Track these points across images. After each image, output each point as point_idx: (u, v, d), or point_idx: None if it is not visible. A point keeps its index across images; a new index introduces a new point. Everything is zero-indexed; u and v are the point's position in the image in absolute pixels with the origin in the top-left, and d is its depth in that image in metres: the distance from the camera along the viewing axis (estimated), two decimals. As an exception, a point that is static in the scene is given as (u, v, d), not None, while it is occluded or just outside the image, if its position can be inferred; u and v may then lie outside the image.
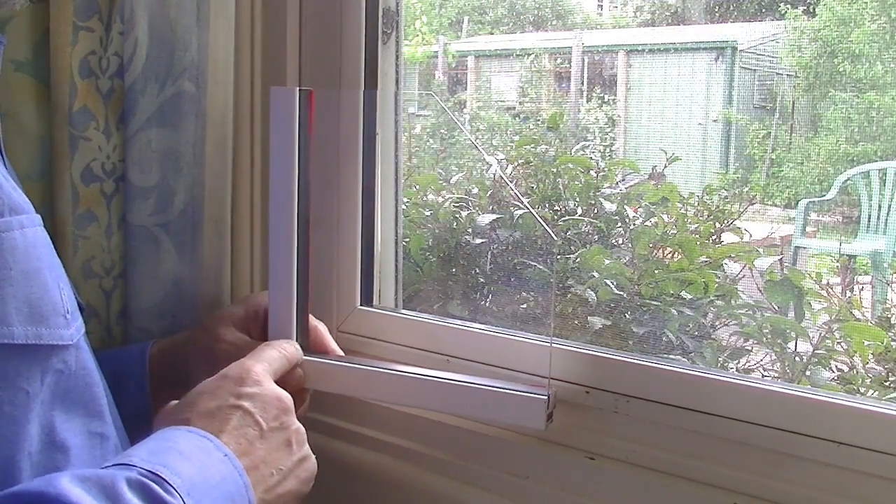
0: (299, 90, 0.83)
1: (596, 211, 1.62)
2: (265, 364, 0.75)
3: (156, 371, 0.85)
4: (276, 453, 0.69)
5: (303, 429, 0.73)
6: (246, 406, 0.69)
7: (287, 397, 0.73)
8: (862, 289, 2.21)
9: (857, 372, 1.27)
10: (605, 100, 3.32)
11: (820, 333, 1.29)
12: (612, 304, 1.42)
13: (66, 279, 0.62)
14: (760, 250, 1.63)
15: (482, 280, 1.58)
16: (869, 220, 2.73)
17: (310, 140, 0.84)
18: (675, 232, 1.55)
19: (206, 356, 0.83)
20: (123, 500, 0.54)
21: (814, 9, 2.71)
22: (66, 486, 0.52)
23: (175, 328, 0.92)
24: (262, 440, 0.68)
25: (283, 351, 0.80)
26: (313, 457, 0.73)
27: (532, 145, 1.75)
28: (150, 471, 0.57)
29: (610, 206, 1.61)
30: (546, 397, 0.80)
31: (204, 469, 0.61)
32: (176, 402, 0.71)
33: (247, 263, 1.00)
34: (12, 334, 0.55)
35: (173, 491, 0.56)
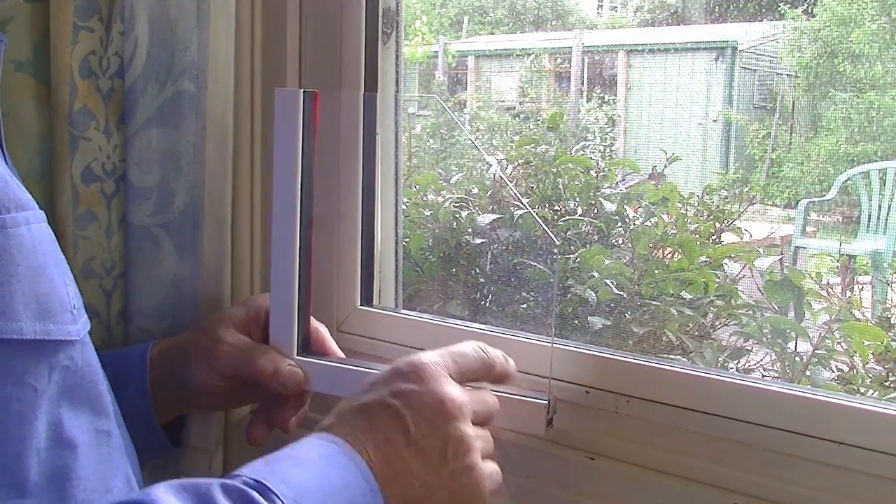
0: (304, 92, 0.82)
1: (596, 211, 1.62)
2: (445, 360, 0.67)
3: (156, 372, 0.85)
4: (423, 463, 0.61)
5: (471, 439, 0.64)
6: (398, 406, 0.62)
7: (455, 399, 0.64)
8: (862, 289, 2.21)
9: (857, 372, 1.27)
10: (605, 100, 3.32)
11: (820, 333, 1.29)
12: (612, 304, 1.42)
13: (70, 276, 0.62)
14: (760, 250, 1.63)
15: (482, 280, 1.58)
16: (869, 220, 2.73)
17: (314, 142, 0.84)
18: (675, 232, 1.55)
19: (206, 358, 0.83)
20: None
21: (812, 9, 2.71)
22: (162, 495, 0.51)
23: (175, 328, 0.92)
24: (409, 447, 0.61)
25: (478, 351, 0.70)
26: (481, 468, 0.64)
27: (532, 145, 1.75)
28: (254, 479, 0.54)
29: (610, 206, 1.61)
30: (546, 402, 0.80)
31: (323, 476, 0.57)
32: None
33: (247, 263, 1.00)
34: (21, 330, 0.55)
35: (276, 499, 0.53)
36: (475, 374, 0.69)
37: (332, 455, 0.59)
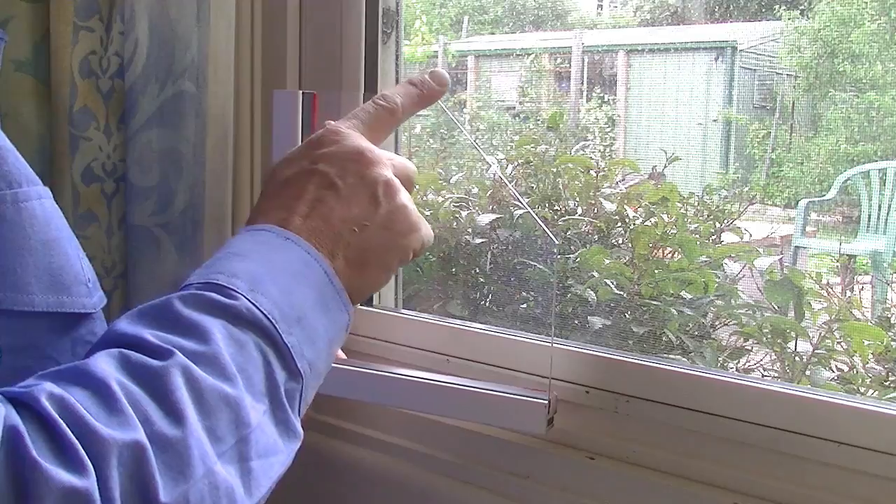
0: (302, 93, 0.82)
1: (596, 211, 1.62)
2: (352, 120, 0.69)
3: None
4: (356, 208, 0.63)
5: (390, 177, 0.66)
6: (321, 168, 0.64)
7: (372, 149, 0.66)
8: (862, 289, 2.21)
9: (857, 372, 1.27)
10: (605, 100, 3.32)
11: (820, 333, 1.29)
12: (612, 304, 1.42)
13: (83, 252, 0.62)
14: (760, 250, 1.63)
15: (482, 280, 1.58)
16: (869, 220, 2.72)
17: None
18: (675, 232, 1.55)
19: None
20: (182, 318, 0.52)
21: (812, 9, 2.71)
22: (126, 325, 0.52)
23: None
24: (339, 199, 0.63)
25: (379, 102, 0.71)
26: (414, 210, 0.67)
27: (532, 145, 1.75)
28: (204, 282, 0.55)
29: (610, 206, 1.61)
30: (546, 401, 0.80)
31: (266, 261, 0.58)
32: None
33: (247, 263, 1.00)
34: (32, 302, 0.55)
35: (233, 293, 0.54)
36: (382, 121, 0.71)
37: (267, 240, 0.60)
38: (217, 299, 0.54)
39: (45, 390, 0.45)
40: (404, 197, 0.67)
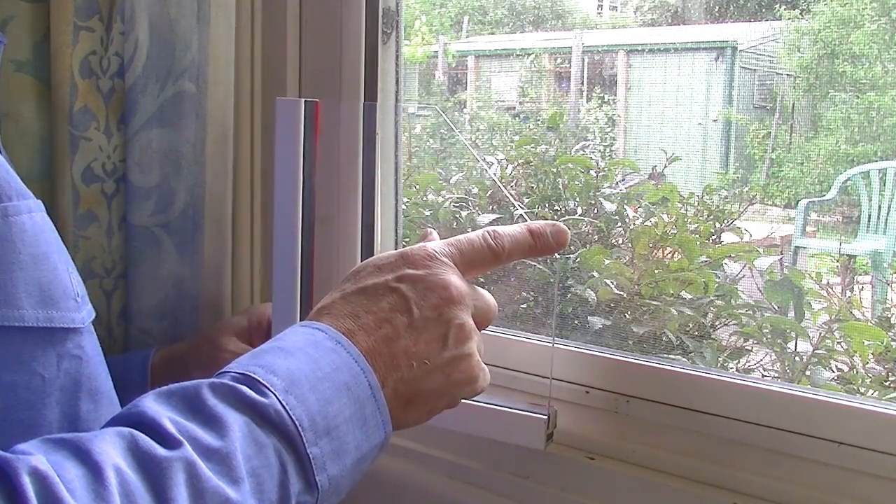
0: (305, 101, 0.82)
1: (596, 211, 1.62)
2: (451, 248, 0.66)
3: (157, 380, 0.84)
4: (423, 344, 0.61)
5: (472, 327, 0.64)
6: (402, 289, 0.62)
7: (460, 287, 0.64)
8: (862, 289, 2.21)
9: (857, 372, 1.27)
10: (605, 100, 3.32)
11: (820, 333, 1.29)
12: (612, 304, 1.42)
13: (73, 265, 0.62)
14: (760, 250, 1.63)
15: (482, 280, 1.58)
16: (869, 220, 2.72)
17: (315, 151, 0.83)
18: (675, 232, 1.55)
19: (208, 366, 0.82)
20: (206, 407, 0.51)
21: (812, 9, 2.71)
22: (150, 403, 0.50)
23: (176, 329, 0.92)
24: (410, 329, 0.61)
25: (487, 240, 0.67)
26: (478, 360, 0.64)
27: (532, 145, 1.75)
28: (240, 373, 0.54)
29: (610, 206, 1.61)
30: (546, 417, 0.79)
31: (311, 362, 0.56)
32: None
33: (248, 264, 1.00)
34: (23, 317, 0.54)
35: (266, 390, 0.53)
36: (483, 262, 0.68)
37: (319, 341, 0.58)
38: (247, 394, 0.52)
39: (30, 465, 0.43)
40: (473, 345, 0.64)
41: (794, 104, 2.99)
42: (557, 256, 1.50)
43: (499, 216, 1.58)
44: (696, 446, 0.79)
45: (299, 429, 0.53)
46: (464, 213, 1.59)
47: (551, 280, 1.47)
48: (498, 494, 0.89)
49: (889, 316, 1.54)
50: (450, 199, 1.66)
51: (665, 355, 1.34)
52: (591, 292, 1.40)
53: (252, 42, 0.97)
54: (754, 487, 0.76)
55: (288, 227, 0.83)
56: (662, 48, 3.37)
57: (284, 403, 0.53)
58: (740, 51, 3.18)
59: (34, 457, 0.44)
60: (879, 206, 2.72)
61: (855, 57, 2.59)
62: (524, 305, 1.55)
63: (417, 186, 1.78)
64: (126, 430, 0.48)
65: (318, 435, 0.54)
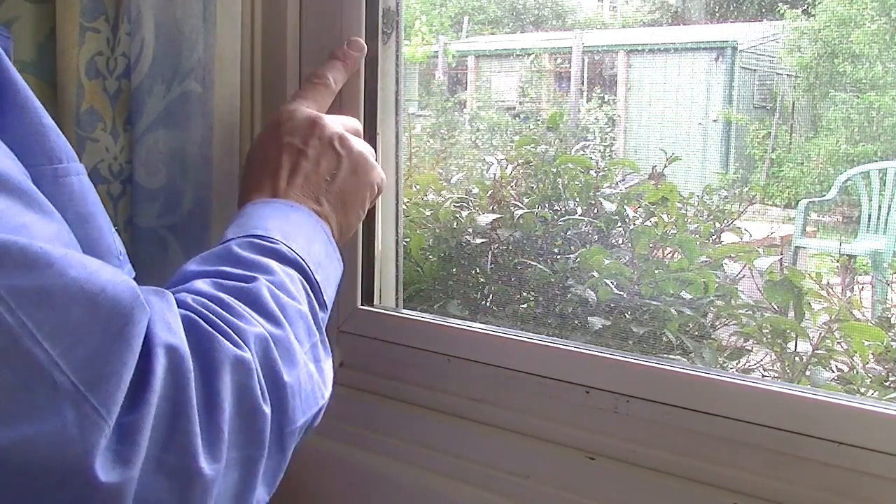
0: None
1: (596, 211, 1.62)
2: (297, 100, 0.86)
3: None
4: (325, 162, 0.81)
5: (341, 131, 0.83)
6: (286, 141, 0.81)
7: (319, 115, 0.84)
8: (862, 289, 2.21)
9: (857, 372, 1.27)
10: (605, 100, 3.32)
11: (820, 333, 1.29)
12: (612, 304, 1.42)
13: (113, 226, 0.65)
14: (760, 250, 1.63)
15: (482, 280, 1.58)
16: (869, 220, 2.73)
17: None
18: (675, 232, 1.55)
19: None
20: (243, 259, 0.65)
21: (812, 9, 2.71)
22: (196, 266, 0.65)
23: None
24: (309, 160, 0.80)
25: (314, 80, 0.89)
26: (366, 151, 0.84)
27: (532, 145, 1.75)
28: (245, 235, 0.68)
29: (610, 206, 1.61)
30: None
31: (285, 220, 0.73)
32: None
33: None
34: None
35: (273, 240, 0.68)
36: (321, 94, 0.89)
37: (277, 207, 0.75)
38: (265, 244, 0.67)
39: (190, 295, 0.58)
40: (358, 144, 0.84)
41: (794, 104, 2.99)
42: (558, 256, 1.50)
43: (499, 216, 1.58)
44: (696, 446, 0.79)
45: (306, 263, 0.69)
46: (464, 213, 1.59)
47: (551, 280, 1.48)
48: (498, 494, 0.89)
49: (889, 316, 1.54)
50: (450, 199, 1.66)
51: (665, 355, 1.34)
52: (591, 292, 1.40)
53: (252, 42, 0.97)
54: (754, 487, 0.76)
55: None
56: (662, 48, 3.37)
57: (289, 246, 0.69)
58: (740, 51, 3.18)
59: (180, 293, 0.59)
60: (879, 206, 2.72)
61: (855, 57, 2.59)
62: (524, 305, 1.55)
63: (417, 186, 1.78)
64: (205, 279, 0.62)
65: (316, 267, 0.70)
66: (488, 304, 1.59)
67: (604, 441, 0.84)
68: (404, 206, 1.22)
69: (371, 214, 1.01)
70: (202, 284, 0.60)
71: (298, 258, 0.68)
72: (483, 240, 1.56)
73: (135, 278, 0.93)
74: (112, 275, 0.49)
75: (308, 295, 0.67)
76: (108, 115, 0.91)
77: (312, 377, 0.62)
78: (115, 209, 0.92)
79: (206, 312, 0.56)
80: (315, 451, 0.75)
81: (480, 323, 1.16)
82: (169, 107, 0.89)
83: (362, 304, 1.02)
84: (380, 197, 1.01)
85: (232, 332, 0.55)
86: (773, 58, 3.16)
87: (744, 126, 3.11)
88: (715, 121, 3.16)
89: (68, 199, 0.57)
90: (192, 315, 0.55)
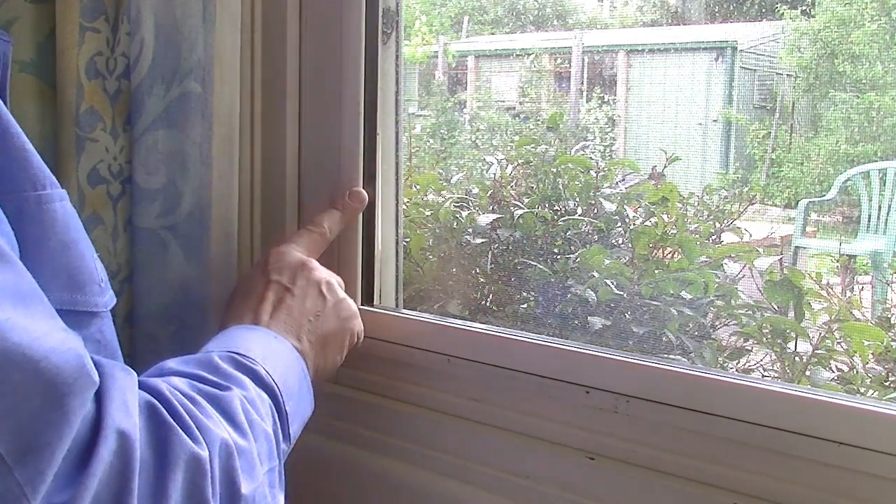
0: None
1: (596, 211, 1.62)
2: (291, 244, 0.89)
3: None
4: (310, 302, 0.83)
5: (329, 278, 0.86)
6: (273, 278, 0.83)
7: (309, 259, 0.87)
8: (862, 289, 2.21)
9: (857, 372, 1.27)
10: (605, 100, 3.32)
11: (820, 333, 1.29)
12: (612, 304, 1.42)
13: (95, 252, 0.64)
14: (760, 250, 1.63)
15: (482, 280, 1.58)
16: (869, 220, 2.73)
17: None
18: (675, 232, 1.55)
19: None
20: (221, 370, 0.65)
21: (812, 9, 2.71)
22: (176, 365, 0.64)
23: (182, 332, 0.92)
24: (294, 298, 0.82)
25: (310, 228, 0.92)
26: (350, 301, 0.87)
27: (532, 145, 1.75)
28: (225, 351, 0.69)
29: (610, 206, 1.61)
30: None
31: (265, 346, 0.74)
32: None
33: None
34: (49, 300, 0.55)
35: (252, 360, 0.69)
36: (315, 242, 0.91)
37: (262, 334, 0.77)
38: (244, 362, 0.68)
39: (165, 384, 0.56)
40: (342, 293, 0.87)
41: (794, 104, 2.99)
42: (558, 256, 1.50)
43: (499, 216, 1.58)
44: (696, 446, 0.79)
45: (279, 390, 0.69)
46: (464, 213, 1.59)
47: (551, 280, 1.48)
48: (498, 494, 0.89)
49: (889, 316, 1.55)
50: (450, 199, 1.66)
51: (665, 355, 1.34)
52: (591, 292, 1.40)
53: (252, 42, 0.97)
54: (754, 487, 0.76)
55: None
56: (662, 48, 3.37)
57: (266, 370, 0.69)
58: (740, 51, 3.18)
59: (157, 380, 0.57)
60: (879, 206, 2.72)
61: (855, 57, 2.60)
62: (524, 305, 1.55)
63: (417, 186, 1.78)
64: (181, 379, 0.61)
65: (287, 398, 0.70)
66: (488, 304, 1.59)
67: (604, 441, 0.84)
68: (404, 206, 1.22)
69: (371, 214, 1.01)
70: (178, 381, 0.60)
71: (273, 383, 0.68)
72: (483, 240, 1.56)
73: (135, 278, 0.93)
74: (60, 342, 0.46)
75: (275, 421, 0.67)
76: (107, 115, 0.90)
77: (266, 499, 0.60)
78: (115, 210, 0.92)
79: (174, 402, 0.54)
80: (315, 451, 0.75)
81: (480, 323, 1.16)
82: (168, 107, 0.89)
83: (362, 305, 1.02)
84: (380, 197, 1.01)
85: (194, 428, 0.54)
86: (773, 58, 3.16)
87: (744, 126, 3.11)
88: (715, 121, 3.17)
89: (51, 227, 0.56)
90: (156, 402, 0.53)
